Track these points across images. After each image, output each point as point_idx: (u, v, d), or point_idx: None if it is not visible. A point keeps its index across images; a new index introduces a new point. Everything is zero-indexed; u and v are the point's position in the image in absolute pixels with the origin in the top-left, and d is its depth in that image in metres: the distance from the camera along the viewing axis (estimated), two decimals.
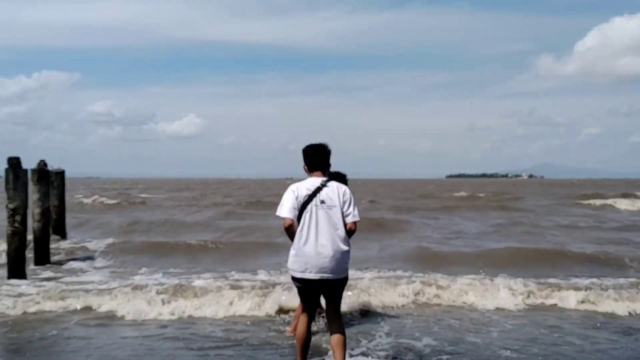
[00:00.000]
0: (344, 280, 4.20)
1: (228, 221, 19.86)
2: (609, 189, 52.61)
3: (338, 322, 4.21)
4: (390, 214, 23.02)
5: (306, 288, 4.15)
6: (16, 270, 9.01)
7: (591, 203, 30.66)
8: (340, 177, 6.05)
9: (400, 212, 24.31)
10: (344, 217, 4.13)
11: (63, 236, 13.58)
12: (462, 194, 43.40)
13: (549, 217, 22.08)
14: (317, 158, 4.31)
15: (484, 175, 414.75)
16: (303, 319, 4.27)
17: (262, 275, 9.12)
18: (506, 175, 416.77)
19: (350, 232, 4.16)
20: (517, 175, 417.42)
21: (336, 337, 4.15)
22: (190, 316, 6.56)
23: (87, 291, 7.46)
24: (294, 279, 4.19)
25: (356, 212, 4.18)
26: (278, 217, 4.14)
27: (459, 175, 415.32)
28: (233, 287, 7.48)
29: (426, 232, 16.59)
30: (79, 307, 6.87)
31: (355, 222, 4.17)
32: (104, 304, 6.87)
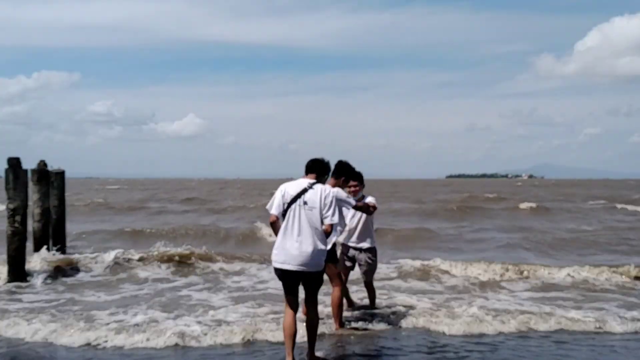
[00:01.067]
0: (321, 273, 4.71)
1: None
2: (618, 190, 51.63)
3: (313, 308, 4.76)
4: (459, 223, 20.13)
5: (285, 278, 4.62)
6: (16, 271, 9.01)
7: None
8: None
9: (459, 219, 21.80)
10: (322, 218, 4.57)
11: (63, 238, 13.52)
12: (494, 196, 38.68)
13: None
14: (313, 165, 4.85)
15: (484, 175, 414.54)
16: (288, 311, 4.69)
17: None
18: (506, 176, 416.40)
19: (325, 233, 4.59)
20: (517, 175, 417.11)
21: (309, 321, 4.75)
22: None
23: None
24: (275, 269, 4.67)
25: (335, 216, 4.60)
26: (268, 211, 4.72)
27: (459, 176, 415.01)
28: None
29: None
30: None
31: (331, 225, 4.56)
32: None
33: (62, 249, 11.53)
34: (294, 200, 4.58)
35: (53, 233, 12.14)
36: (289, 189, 4.66)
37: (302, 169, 5.19)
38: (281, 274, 4.62)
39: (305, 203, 4.56)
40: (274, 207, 4.64)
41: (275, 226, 4.64)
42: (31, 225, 10.39)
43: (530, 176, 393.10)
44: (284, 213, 4.60)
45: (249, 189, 61.43)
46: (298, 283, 4.67)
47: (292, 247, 4.50)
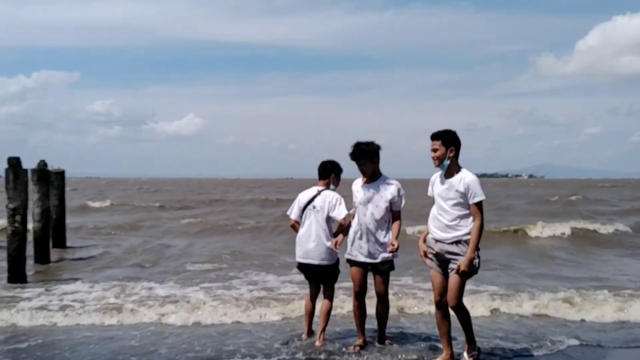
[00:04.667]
0: (327, 267, 5.41)
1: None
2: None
3: (326, 296, 5.50)
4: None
5: (304, 270, 5.56)
6: (16, 271, 8.98)
7: None
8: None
9: None
10: (330, 217, 5.41)
11: (63, 237, 13.52)
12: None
13: None
14: (320, 171, 5.61)
15: (484, 175, 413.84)
16: (307, 296, 5.64)
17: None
18: (506, 175, 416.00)
19: (341, 226, 5.36)
20: (517, 175, 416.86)
21: (322, 307, 5.45)
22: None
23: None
24: (298, 263, 5.56)
25: (342, 211, 5.34)
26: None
27: None
28: None
29: None
30: None
31: (344, 218, 5.34)
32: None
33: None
34: (306, 205, 5.50)
35: (53, 233, 12.15)
36: (303, 196, 5.57)
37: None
38: (301, 266, 5.56)
39: (314, 207, 5.46)
40: (292, 212, 5.62)
41: (294, 227, 5.65)
42: (31, 225, 10.38)
43: (531, 176, 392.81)
44: (300, 216, 5.53)
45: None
46: (315, 273, 5.52)
47: (305, 244, 5.44)
